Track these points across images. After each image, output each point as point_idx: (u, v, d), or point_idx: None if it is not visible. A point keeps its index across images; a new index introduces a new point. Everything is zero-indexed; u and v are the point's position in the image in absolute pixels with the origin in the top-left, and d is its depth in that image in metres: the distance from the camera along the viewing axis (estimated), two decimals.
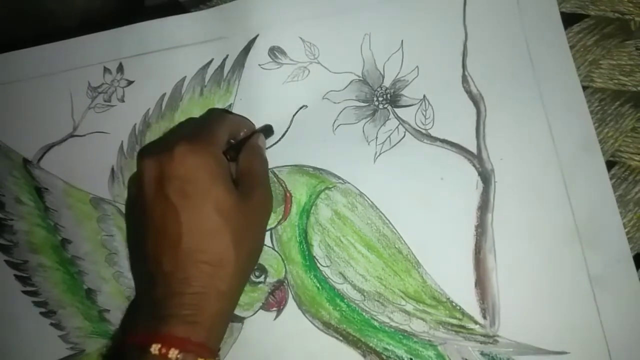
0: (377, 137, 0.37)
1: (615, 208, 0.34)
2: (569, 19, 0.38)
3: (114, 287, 0.39)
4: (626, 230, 0.34)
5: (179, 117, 0.41)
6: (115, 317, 0.39)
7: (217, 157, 0.32)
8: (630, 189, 0.35)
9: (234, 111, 0.40)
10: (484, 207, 0.35)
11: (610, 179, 0.35)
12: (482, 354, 0.34)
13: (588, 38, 0.37)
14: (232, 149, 0.35)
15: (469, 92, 0.37)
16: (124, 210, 0.40)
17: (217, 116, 0.38)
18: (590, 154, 0.34)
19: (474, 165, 0.36)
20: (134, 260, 0.38)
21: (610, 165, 0.35)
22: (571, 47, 0.37)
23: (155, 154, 0.32)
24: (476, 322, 0.34)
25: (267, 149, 0.38)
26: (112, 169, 0.41)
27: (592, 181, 0.34)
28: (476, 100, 0.36)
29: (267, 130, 0.38)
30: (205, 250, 0.30)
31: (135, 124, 0.41)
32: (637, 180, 0.35)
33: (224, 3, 0.42)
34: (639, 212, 0.34)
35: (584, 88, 0.37)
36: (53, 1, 0.50)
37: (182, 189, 0.31)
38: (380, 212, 0.36)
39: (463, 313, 0.34)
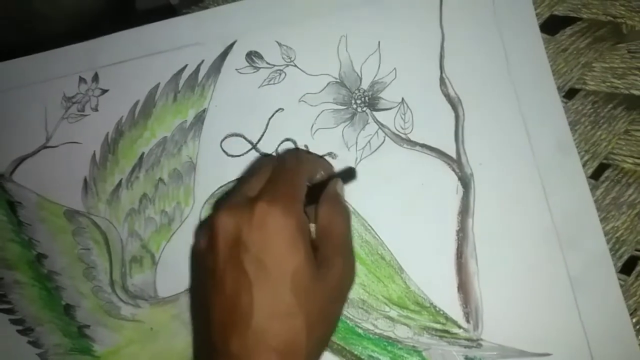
0: (357, 142, 0.37)
1: (593, 209, 0.34)
2: (561, 22, 0.38)
3: (93, 302, 0.38)
4: (619, 233, 0.35)
5: (152, 124, 0.40)
6: (96, 333, 0.38)
7: (298, 218, 0.29)
8: (624, 192, 0.35)
9: (208, 116, 0.39)
10: (464, 211, 0.35)
11: (604, 181, 0.35)
12: (467, 358, 0.34)
13: (581, 41, 0.37)
14: (307, 193, 0.32)
15: (447, 95, 0.36)
16: (98, 223, 0.39)
17: (296, 161, 0.34)
18: (566, 155, 0.35)
19: (453, 170, 0.36)
20: (197, 319, 0.35)
21: (603, 167, 0.36)
22: (564, 50, 0.37)
23: (233, 210, 0.29)
24: (460, 327, 0.34)
25: (240, 156, 0.38)
26: (85, 179, 0.40)
27: (569, 183, 0.34)
28: (454, 103, 0.36)
29: (348, 175, 0.36)
30: (275, 334, 0.27)
31: (108, 133, 0.40)
32: (630, 182, 0.35)
33: (216, 5, 0.41)
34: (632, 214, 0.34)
35: (577, 90, 0.37)
36: (41, 4, 0.49)
37: (259, 257, 0.28)
38: (363, 218, 0.36)
39: (446, 318, 0.34)
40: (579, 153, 0.35)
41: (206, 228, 0.31)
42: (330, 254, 0.30)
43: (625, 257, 0.34)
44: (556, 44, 0.37)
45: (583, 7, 0.38)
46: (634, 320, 0.33)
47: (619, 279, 0.34)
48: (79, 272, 0.39)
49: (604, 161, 0.36)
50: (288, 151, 0.38)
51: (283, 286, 0.28)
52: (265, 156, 0.38)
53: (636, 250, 0.35)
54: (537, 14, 0.37)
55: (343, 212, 0.33)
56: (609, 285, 0.33)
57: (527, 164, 0.35)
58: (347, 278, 0.31)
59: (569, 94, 0.37)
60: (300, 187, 0.31)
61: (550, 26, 0.38)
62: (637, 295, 0.34)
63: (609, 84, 0.36)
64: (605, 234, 0.34)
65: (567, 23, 0.38)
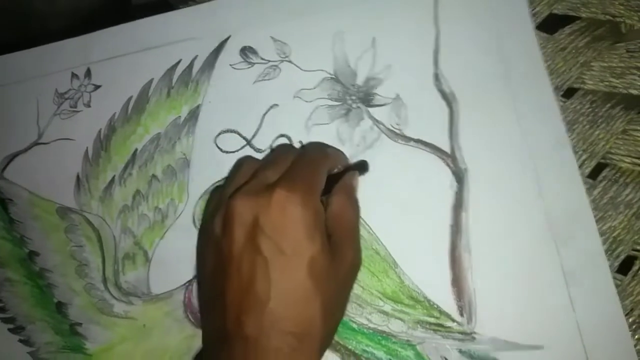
0: (352, 138, 0.37)
1: (587, 204, 0.34)
2: (560, 21, 0.38)
3: (86, 299, 0.38)
4: (616, 232, 0.34)
5: (146, 120, 0.40)
6: (88, 330, 0.38)
7: (316, 209, 0.29)
8: (621, 191, 0.35)
9: (202, 112, 0.39)
10: (458, 206, 0.35)
11: (601, 181, 0.35)
12: (460, 351, 0.34)
13: (579, 40, 0.37)
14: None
15: (441, 91, 0.36)
16: (91, 220, 0.39)
17: (318, 154, 0.34)
18: (561, 152, 0.35)
19: (447, 165, 0.36)
20: (207, 305, 0.33)
21: (601, 167, 0.36)
22: (562, 49, 0.37)
23: (251, 195, 0.29)
24: (453, 320, 0.34)
25: (234, 152, 0.38)
26: (78, 176, 0.39)
27: (564, 179, 0.34)
28: (449, 99, 0.36)
29: (362, 167, 0.36)
30: (292, 318, 0.27)
31: (101, 129, 0.40)
32: (627, 182, 0.35)
33: (210, 0, 0.41)
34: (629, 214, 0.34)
35: (575, 90, 0.37)
36: (39, 2, 0.48)
37: (277, 242, 0.28)
38: None
39: (440, 311, 0.34)
40: (576, 152, 0.35)
41: (221, 212, 0.30)
42: (342, 243, 0.31)
43: (622, 256, 0.34)
44: (555, 42, 0.37)
45: (582, 6, 0.38)
46: (629, 320, 0.33)
47: (616, 278, 0.34)
48: (71, 270, 0.38)
49: (602, 161, 0.36)
50: (311, 143, 0.37)
51: (300, 271, 0.28)
52: (285, 146, 0.37)
53: (633, 250, 0.34)
54: (536, 13, 0.37)
55: (355, 204, 0.34)
56: (602, 280, 0.33)
57: (521, 159, 0.35)
58: (356, 267, 0.32)
59: (567, 93, 0.37)
60: (320, 180, 0.31)
61: (549, 25, 0.38)
62: (634, 295, 0.34)
63: (607, 83, 0.36)
64: (603, 234, 0.34)
65: (566, 22, 0.38)
